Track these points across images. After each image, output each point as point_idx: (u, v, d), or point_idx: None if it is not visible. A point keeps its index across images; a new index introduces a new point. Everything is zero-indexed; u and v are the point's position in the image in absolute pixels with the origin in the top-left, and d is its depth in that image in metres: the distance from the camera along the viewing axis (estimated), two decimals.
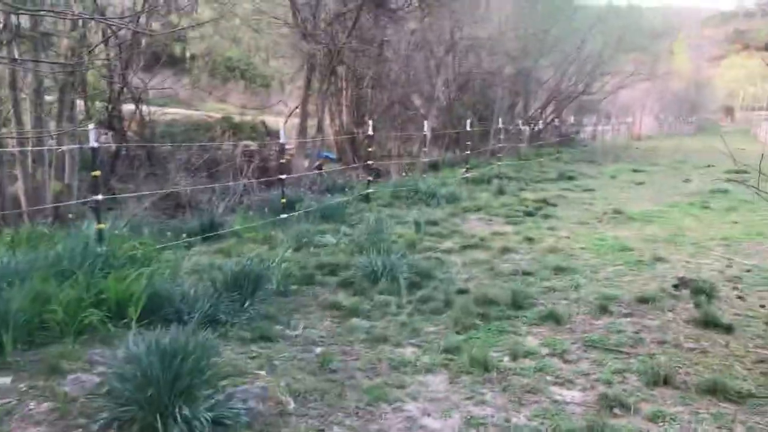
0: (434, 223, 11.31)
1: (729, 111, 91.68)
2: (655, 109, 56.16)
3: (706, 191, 15.56)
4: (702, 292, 6.86)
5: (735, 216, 12.10)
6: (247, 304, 6.06)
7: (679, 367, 5.07)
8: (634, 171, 21.28)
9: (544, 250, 9.28)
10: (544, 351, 5.46)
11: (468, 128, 18.02)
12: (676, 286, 7.29)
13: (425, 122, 18.69)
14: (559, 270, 8.06)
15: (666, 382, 4.77)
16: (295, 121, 17.04)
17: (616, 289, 7.24)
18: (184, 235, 8.98)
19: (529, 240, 9.96)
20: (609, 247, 9.47)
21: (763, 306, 6.65)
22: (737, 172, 20.62)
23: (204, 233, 9.47)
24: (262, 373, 4.86)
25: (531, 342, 5.69)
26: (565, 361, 5.26)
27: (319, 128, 16.34)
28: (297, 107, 15.49)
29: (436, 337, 5.77)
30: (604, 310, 6.50)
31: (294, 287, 7.18)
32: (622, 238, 10.10)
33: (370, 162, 13.61)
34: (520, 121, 25.02)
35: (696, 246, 9.47)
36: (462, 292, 7.15)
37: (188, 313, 5.53)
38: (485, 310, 6.43)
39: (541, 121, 29.25)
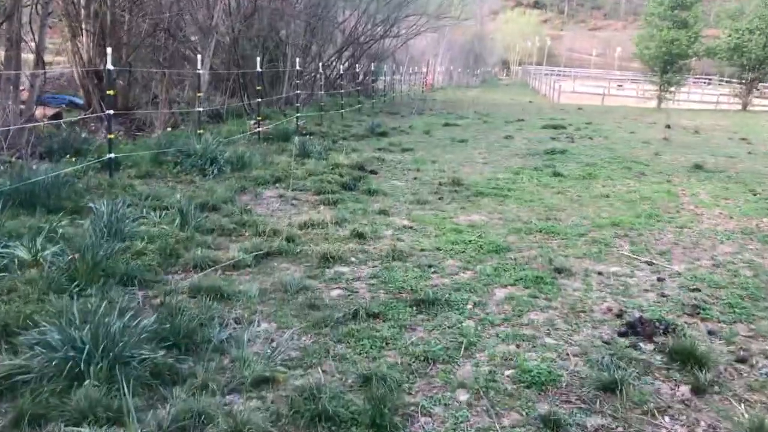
0: (213, 208, 7.49)
1: (505, 64, 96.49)
2: (445, 61, 55.80)
3: (540, 151, 13.34)
4: (683, 353, 3.95)
5: (599, 186, 9.77)
6: None
7: None
8: (446, 125, 18.89)
9: (385, 255, 5.97)
10: None
11: (258, 68, 14.05)
12: (625, 334, 4.36)
13: (200, 59, 14.34)
14: (419, 304, 4.77)
15: None
16: None
17: (538, 351, 4.11)
18: None
19: (360, 237, 6.56)
20: (475, 246, 6.39)
21: None
22: (554, 127, 19.28)
23: None
24: None
25: None
26: None
27: (39, 60, 11.31)
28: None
29: None
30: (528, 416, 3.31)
31: None
32: (483, 228, 7.12)
33: (112, 111, 9.16)
34: (320, 65, 21.37)
35: (590, 241, 6.74)
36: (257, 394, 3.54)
37: None
38: None
39: (339, 67, 25.90)
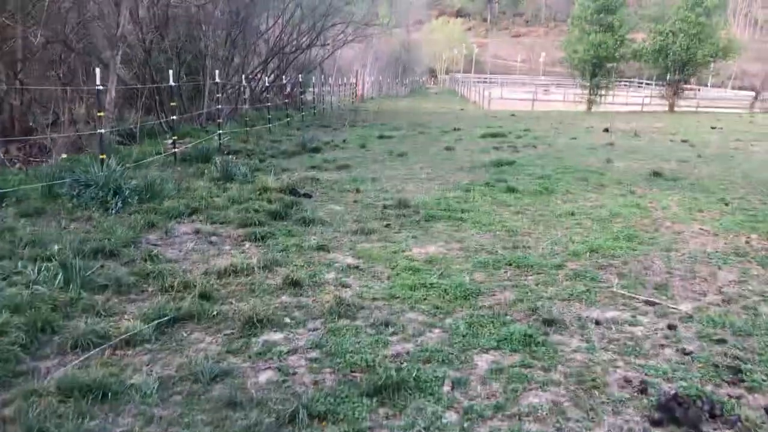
0: (111, 254, 6.04)
1: (433, 73, 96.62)
2: (374, 72, 54.90)
3: (486, 163, 12.33)
4: None
5: (560, 202, 8.76)
6: None
7: None
8: (382, 137, 17.73)
9: (329, 311, 4.71)
10: None
11: (171, 82, 12.51)
12: (660, 423, 3.23)
13: (100, 73, 12.72)
14: (380, 392, 3.53)
15: None
16: None
17: None
18: None
19: (295, 285, 5.26)
20: (438, 290, 5.19)
21: None
22: (493, 135, 18.41)
23: None
24: None
25: None
26: None
27: None
28: None
29: None
30: None
31: None
32: (443, 263, 5.95)
33: None
34: (243, 77, 19.88)
35: (571, 275, 5.65)
36: None
37: None
38: None
39: (264, 79, 24.44)
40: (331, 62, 39.06)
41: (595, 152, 14.45)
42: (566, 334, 4.33)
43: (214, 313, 4.66)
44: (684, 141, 17.46)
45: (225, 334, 4.35)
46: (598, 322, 4.53)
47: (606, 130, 20.44)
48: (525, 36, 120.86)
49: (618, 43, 34.89)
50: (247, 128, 17.39)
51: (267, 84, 22.17)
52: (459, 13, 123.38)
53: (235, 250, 6.47)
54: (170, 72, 12.48)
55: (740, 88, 62.85)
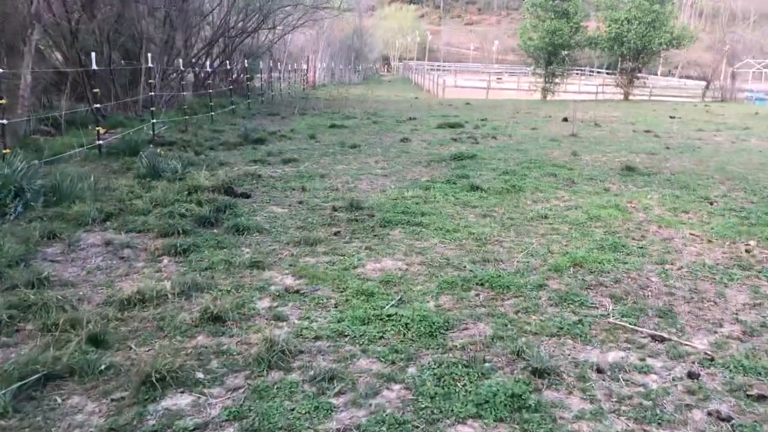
0: None
1: (386, 61, 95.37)
2: (326, 58, 53.41)
3: (445, 156, 11.35)
4: None
5: (530, 203, 7.82)
6: None
7: None
8: (333, 126, 16.59)
9: (256, 359, 3.66)
10: None
11: (94, 66, 11.12)
12: None
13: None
14: None
15: None
16: None
17: None
18: None
19: (216, 321, 4.16)
20: (397, 324, 4.16)
21: None
22: (451, 126, 17.45)
23: None
24: None
25: None
26: None
27: None
28: None
29: None
30: None
31: None
32: (402, 284, 4.93)
33: None
34: (180, 62, 18.39)
35: (555, 298, 4.68)
36: None
37: None
38: None
39: (207, 64, 22.92)
40: (282, 47, 37.59)
41: (558, 144, 13.63)
42: (563, 390, 3.36)
43: (103, 367, 3.52)
44: (647, 131, 16.83)
45: (113, 400, 3.24)
46: (600, 370, 3.58)
47: (565, 119, 19.74)
48: (477, 24, 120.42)
49: (573, 30, 34.37)
50: (186, 117, 16.03)
51: (209, 69, 20.69)
52: (412, 0, 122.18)
53: (149, 268, 5.32)
54: (92, 55, 11.04)
55: (687, 77, 63.52)
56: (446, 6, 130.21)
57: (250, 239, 6.14)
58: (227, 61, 23.69)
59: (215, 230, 6.42)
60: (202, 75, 23.20)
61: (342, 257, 5.59)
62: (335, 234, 6.33)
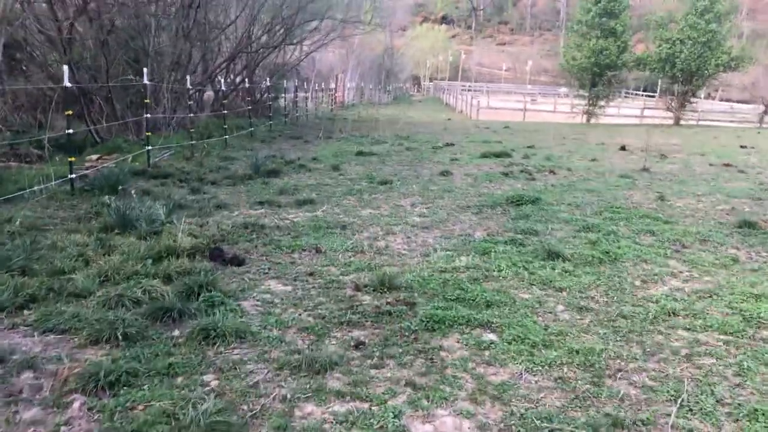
0: None
1: (416, 80, 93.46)
2: (355, 77, 51.59)
3: (501, 199, 9.02)
4: None
5: (638, 282, 5.46)
6: None
7: None
8: (361, 153, 14.43)
9: None
10: None
11: (66, 82, 9.07)
12: None
13: None
14: None
15: None
16: None
17: None
18: None
19: None
20: None
21: None
22: (497, 155, 15.16)
23: None
24: None
25: None
26: None
27: None
28: None
29: None
30: None
31: None
32: None
33: None
34: (188, 78, 16.38)
35: None
36: None
37: None
38: None
39: (221, 82, 20.98)
40: (311, 65, 35.77)
41: (632, 182, 11.24)
42: None
43: None
44: (727, 165, 14.35)
45: None
46: None
47: (623, 148, 17.36)
48: (510, 44, 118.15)
49: (620, 49, 31.92)
50: (193, 141, 13.98)
51: (223, 87, 18.71)
52: (443, 20, 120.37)
53: (50, 418, 3.12)
54: (65, 68, 8.99)
55: (727, 100, 59.76)
56: (478, 26, 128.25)
57: (225, 352, 3.92)
58: (246, 79, 21.72)
59: (175, 332, 4.21)
60: (221, 93, 21.29)
61: (367, 406, 3.32)
62: (356, 347, 4.07)
